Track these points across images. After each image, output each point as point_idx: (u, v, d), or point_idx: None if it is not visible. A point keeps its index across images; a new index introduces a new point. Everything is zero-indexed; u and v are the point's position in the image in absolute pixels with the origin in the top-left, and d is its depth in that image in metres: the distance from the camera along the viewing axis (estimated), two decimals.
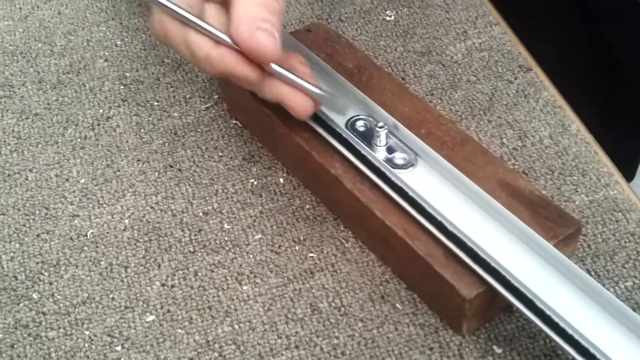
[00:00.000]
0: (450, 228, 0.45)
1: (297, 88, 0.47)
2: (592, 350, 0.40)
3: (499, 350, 0.46)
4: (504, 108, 0.58)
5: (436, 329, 0.47)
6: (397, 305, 0.48)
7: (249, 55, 0.44)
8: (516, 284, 0.42)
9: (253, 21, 0.43)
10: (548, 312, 0.41)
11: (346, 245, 0.51)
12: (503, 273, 0.43)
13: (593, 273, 0.48)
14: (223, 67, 0.45)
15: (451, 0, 0.66)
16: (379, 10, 0.65)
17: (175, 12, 0.44)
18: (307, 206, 0.53)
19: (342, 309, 0.48)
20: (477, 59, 0.61)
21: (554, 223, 0.46)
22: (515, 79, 0.60)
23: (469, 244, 0.44)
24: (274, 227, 0.52)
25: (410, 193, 0.46)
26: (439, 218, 0.45)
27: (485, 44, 0.62)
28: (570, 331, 0.41)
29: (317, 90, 0.47)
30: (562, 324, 0.41)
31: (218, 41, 0.44)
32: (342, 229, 0.51)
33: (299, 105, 0.47)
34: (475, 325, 0.46)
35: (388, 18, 0.65)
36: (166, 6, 0.44)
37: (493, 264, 0.43)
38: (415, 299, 0.48)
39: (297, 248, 0.50)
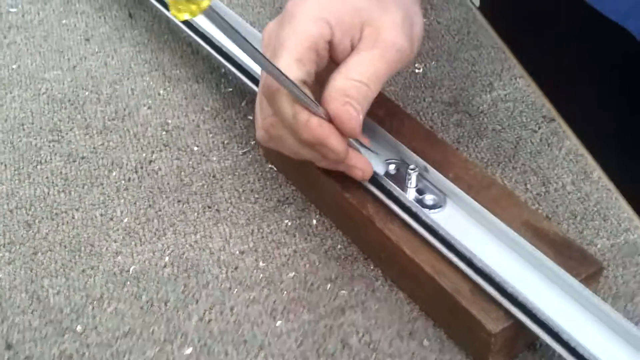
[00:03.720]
0: (477, 263, 0.47)
1: (360, 154, 0.52)
2: None
3: None
4: (528, 156, 0.60)
5: None
6: (424, 341, 0.49)
7: (334, 122, 0.48)
8: (542, 318, 0.44)
9: (344, 96, 0.48)
10: (573, 344, 0.43)
11: (376, 283, 0.52)
12: (529, 307, 0.44)
13: None
14: (319, 133, 0.48)
15: (477, 54, 0.69)
16: None
17: (289, 88, 0.47)
18: (339, 246, 0.55)
19: (372, 344, 0.49)
20: (502, 109, 0.64)
21: (577, 262, 0.48)
22: (539, 128, 0.62)
23: (496, 278, 0.46)
24: (307, 265, 0.54)
25: (440, 231, 0.48)
26: (467, 254, 0.47)
27: (510, 95, 0.65)
28: None
29: (374, 159, 0.53)
30: (586, 356, 0.42)
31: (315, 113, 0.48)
32: (372, 268, 0.53)
33: (368, 170, 0.52)
34: None
35: (417, 70, 0.67)
36: (283, 82, 0.47)
37: (520, 298, 0.45)
38: (442, 336, 0.49)
39: (328, 286, 0.52)
